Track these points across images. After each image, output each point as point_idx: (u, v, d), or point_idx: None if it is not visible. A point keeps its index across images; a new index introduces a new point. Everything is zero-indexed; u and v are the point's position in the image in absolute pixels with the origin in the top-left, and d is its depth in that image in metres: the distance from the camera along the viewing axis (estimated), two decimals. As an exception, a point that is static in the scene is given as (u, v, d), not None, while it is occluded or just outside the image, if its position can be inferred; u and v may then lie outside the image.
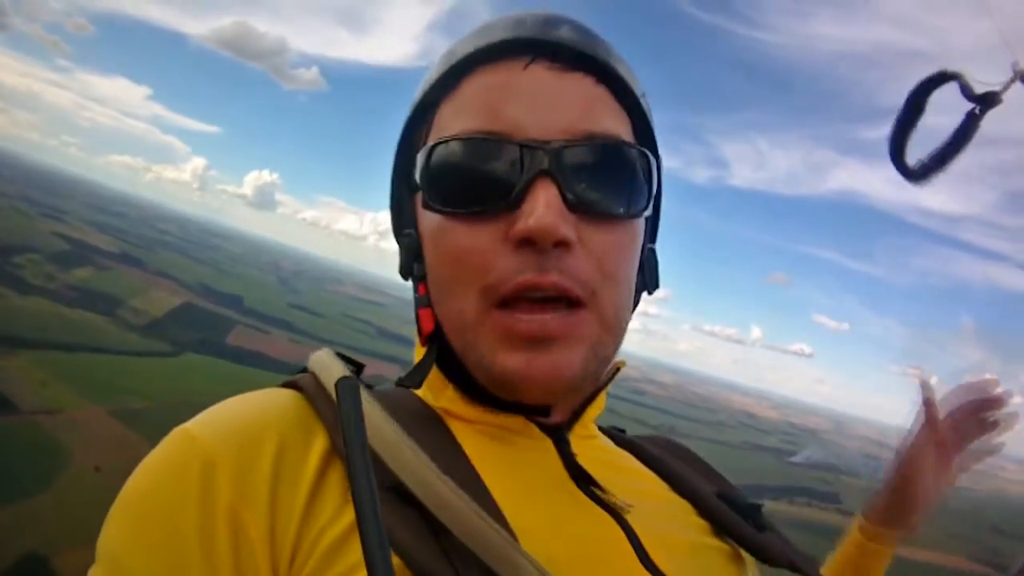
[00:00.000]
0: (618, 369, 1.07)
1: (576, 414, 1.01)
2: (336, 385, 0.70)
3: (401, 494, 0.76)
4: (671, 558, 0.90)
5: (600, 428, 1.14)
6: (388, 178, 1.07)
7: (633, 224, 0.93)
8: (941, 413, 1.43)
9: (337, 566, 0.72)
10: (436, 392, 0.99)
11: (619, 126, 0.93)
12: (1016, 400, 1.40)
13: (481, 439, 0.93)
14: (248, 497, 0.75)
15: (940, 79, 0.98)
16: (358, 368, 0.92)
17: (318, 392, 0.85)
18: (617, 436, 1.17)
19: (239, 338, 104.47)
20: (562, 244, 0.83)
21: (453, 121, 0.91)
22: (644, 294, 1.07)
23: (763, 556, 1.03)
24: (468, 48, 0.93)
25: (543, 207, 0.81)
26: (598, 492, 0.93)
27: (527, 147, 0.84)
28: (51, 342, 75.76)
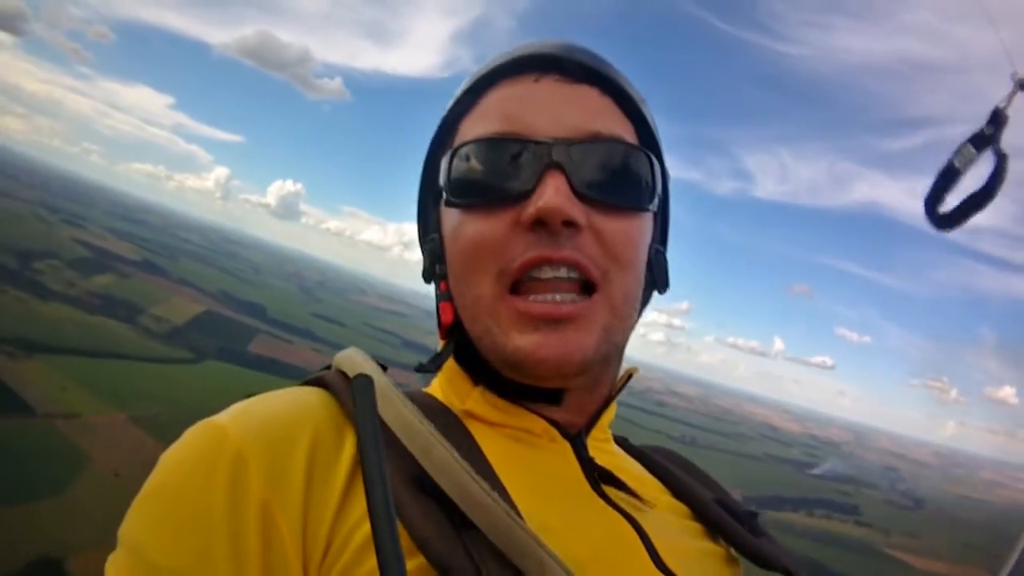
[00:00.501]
0: (630, 375, 1.13)
1: (593, 418, 1.07)
2: (352, 381, 0.75)
3: (424, 487, 0.79)
4: (679, 560, 0.95)
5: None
6: (413, 188, 1.16)
7: (639, 217, 1.00)
8: None
9: (367, 564, 0.74)
10: (462, 395, 1.04)
11: (623, 131, 1.01)
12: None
13: (502, 441, 0.98)
14: (281, 493, 0.77)
15: (980, 141, 0.99)
16: (383, 369, 0.96)
17: (346, 390, 0.87)
18: (624, 443, 1.24)
19: (261, 347, 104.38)
20: (571, 224, 0.90)
21: (473, 129, 1.01)
22: (655, 294, 1.13)
23: (759, 560, 1.07)
24: (486, 68, 1.05)
25: (552, 191, 0.89)
26: (613, 495, 1.00)
27: (539, 143, 0.93)
28: (71, 347, 76.01)
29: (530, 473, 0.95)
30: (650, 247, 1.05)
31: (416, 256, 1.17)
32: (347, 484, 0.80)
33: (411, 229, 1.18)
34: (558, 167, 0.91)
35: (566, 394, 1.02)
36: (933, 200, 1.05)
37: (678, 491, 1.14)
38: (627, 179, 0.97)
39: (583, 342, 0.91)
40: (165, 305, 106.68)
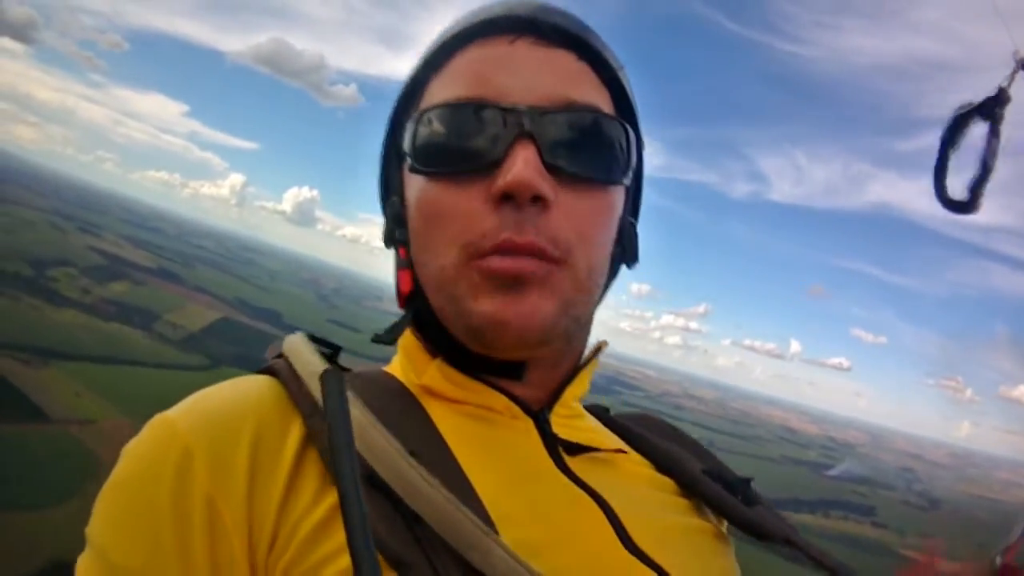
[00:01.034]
0: (599, 349, 1.09)
1: (556, 393, 1.01)
2: (321, 378, 0.72)
3: (375, 482, 0.76)
4: (653, 538, 0.90)
5: (586, 407, 1.15)
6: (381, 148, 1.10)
7: (611, 191, 0.95)
8: None
9: (316, 554, 0.73)
10: (420, 369, 0.99)
11: (598, 99, 0.95)
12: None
13: (461, 419, 0.93)
14: (225, 486, 0.75)
15: (969, 114, 0.98)
16: (334, 351, 0.92)
17: (293, 379, 0.86)
18: (602, 416, 1.18)
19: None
20: (540, 200, 0.85)
21: (441, 92, 0.93)
22: (624, 267, 1.07)
23: (753, 532, 1.02)
24: (458, 27, 0.96)
25: (522, 163, 0.83)
26: (581, 471, 0.94)
27: (509, 111, 0.87)
28: (86, 354, 76.61)
29: (490, 453, 0.90)
30: (621, 219, 1.01)
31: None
32: (292, 473, 0.79)
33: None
34: (529, 137, 0.86)
35: (528, 368, 0.97)
36: (940, 186, 1.03)
37: (662, 464, 1.08)
38: (601, 151, 0.93)
39: (544, 309, 0.87)
40: (180, 312, 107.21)
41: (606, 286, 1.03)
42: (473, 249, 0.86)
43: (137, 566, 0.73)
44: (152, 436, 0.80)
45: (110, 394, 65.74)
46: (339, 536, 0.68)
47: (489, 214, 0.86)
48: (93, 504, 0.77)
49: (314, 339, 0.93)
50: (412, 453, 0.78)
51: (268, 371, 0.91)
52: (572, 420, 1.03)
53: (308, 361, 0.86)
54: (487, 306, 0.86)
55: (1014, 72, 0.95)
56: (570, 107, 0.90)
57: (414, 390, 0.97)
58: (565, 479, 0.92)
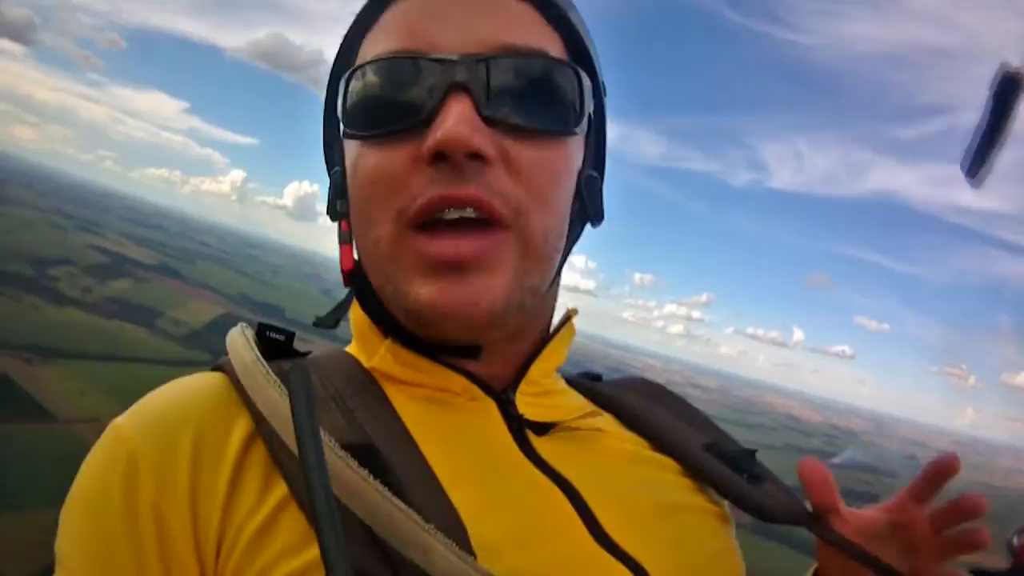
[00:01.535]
0: (569, 317, 1.02)
1: (522, 370, 0.95)
2: (289, 375, 0.68)
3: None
4: (631, 526, 0.84)
5: (569, 379, 1.09)
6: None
7: (563, 142, 0.87)
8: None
9: (262, 556, 0.69)
10: (370, 351, 0.94)
11: (545, 42, 0.87)
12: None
13: (417, 404, 0.88)
14: (168, 490, 0.73)
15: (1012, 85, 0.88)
16: (288, 337, 0.89)
17: (235, 375, 0.81)
18: (592, 389, 1.11)
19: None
20: (478, 157, 0.78)
21: (373, 48, 0.87)
22: (588, 227, 1.00)
23: (755, 511, 0.96)
24: None
25: (454, 119, 0.76)
26: (549, 454, 0.88)
27: (441, 61, 0.80)
28: (89, 353, 76.46)
29: (447, 440, 0.84)
30: (580, 173, 0.92)
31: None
32: (234, 473, 0.75)
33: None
34: (463, 88, 0.78)
35: (484, 348, 0.90)
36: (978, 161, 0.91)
37: (658, 441, 1.01)
38: (548, 99, 0.84)
39: (490, 287, 0.79)
40: (183, 308, 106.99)
41: (568, 248, 0.94)
42: (405, 216, 0.80)
43: None
44: (103, 444, 0.78)
45: (114, 392, 65.49)
46: (285, 536, 0.66)
47: (421, 173, 0.79)
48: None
49: (265, 327, 0.89)
50: (358, 445, 0.73)
51: (218, 368, 0.87)
52: (542, 398, 0.96)
53: (241, 354, 0.81)
54: (424, 290, 0.79)
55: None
56: (509, 51, 0.82)
57: (374, 373, 0.91)
58: (531, 466, 0.86)
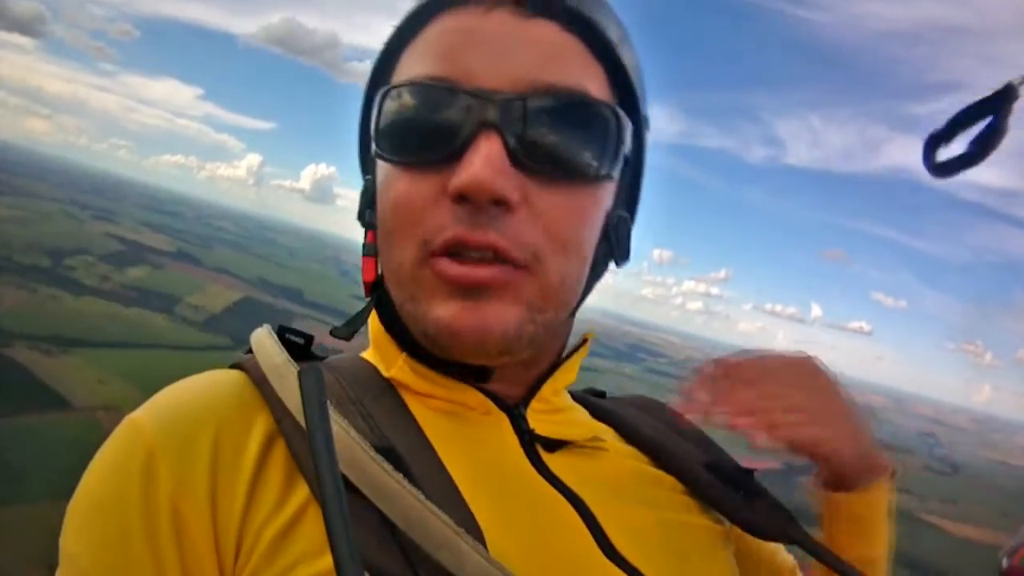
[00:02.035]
0: (585, 341, 1.02)
1: (534, 388, 0.95)
2: (299, 375, 0.66)
3: (351, 485, 0.71)
4: (637, 541, 0.85)
5: (575, 395, 1.09)
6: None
7: (592, 187, 0.85)
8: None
9: (283, 558, 0.69)
10: (388, 362, 0.94)
11: (586, 79, 0.84)
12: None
13: (434, 414, 0.88)
14: (187, 488, 0.72)
15: (977, 107, 0.93)
16: (307, 340, 0.90)
17: (261, 374, 0.81)
18: (594, 404, 1.10)
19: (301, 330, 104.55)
20: (501, 202, 0.77)
21: (411, 66, 0.85)
22: (612, 265, 0.98)
23: (750, 529, 0.98)
24: None
25: (481, 161, 0.75)
26: (560, 469, 0.89)
27: (475, 96, 0.78)
28: (107, 341, 76.99)
29: (463, 451, 0.85)
30: (610, 214, 0.91)
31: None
32: (255, 472, 0.75)
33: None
34: (494, 128, 0.77)
35: (494, 371, 0.91)
36: (934, 144, 0.98)
37: (660, 459, 1.02)
38: (581, 143, 0.82)
39: (504, 317, 0.79)
40: (201, 294, 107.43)
41: (590, 286, 0.94)
42: (428, 245, 0.80)
43: None
44: (119, 440, 0.77)
45: (134, 379, 65.81)
46: (306, 539, 0.66)
47: (445, 210, 0.79)
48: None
49: (286, 330, 0.89)
50: (379, 449, 0.73)
51: (237, 366, 0.87)
52: (552, 415, 0.97)
53: (271, 354, 0.81)
54: (442, 312, 0.80)
55: None
56: (547, 91, 0.79)
57: (392, 382, 0.92)
58: (541, 480, 0.87)
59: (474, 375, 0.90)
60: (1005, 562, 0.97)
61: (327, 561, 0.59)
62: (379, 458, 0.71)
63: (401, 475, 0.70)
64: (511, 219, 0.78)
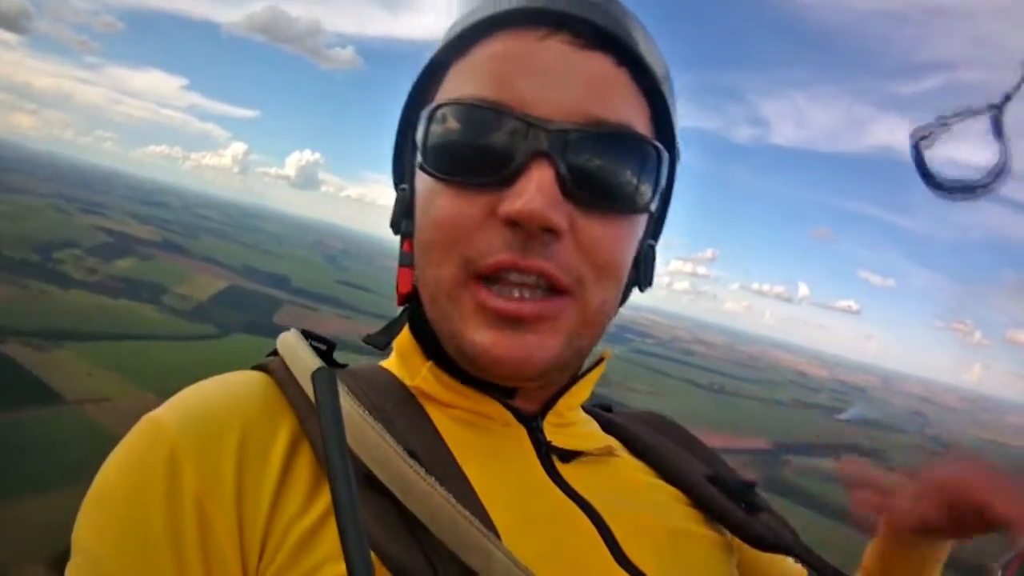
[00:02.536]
0: (602, 360, 1.04)
1: (550, 402, 0.98)
2: (313, 376, 0.67)
3: (375, 484, 0.73)
4: (647, 550, 0.88)
5: (585, 409, 1.11)
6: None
7: (633, 219, 0.90)
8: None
9: (308, 559, 0.71)
10: (412, 371, 0.95)
11: (633, 114, 0.88)
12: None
13: (455, 424, 0.90)
14: (213, 487, 0.73)
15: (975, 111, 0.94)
16: (329, 347, 0.90)
17: (287, 377, 0.83)
18: (604, 418, 1.14)
19: (286, 317, 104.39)
20: (550, 231, 0.80)
21: (461, 84, 0.87)
22: (635, 290, 1.03)
23: (754, 542, 1.00)
24: (485, 11, 0.88)
25: (535, 189, 0.78)
26: (574, 479, 0.92)
27: (530, 124, 0.80)
28: (96, 333, 77.23)
29: (483, 460, 0.87)
30: (641, 243, 0.95)
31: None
32: (282, 474, 0.76)
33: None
34: (547, 157, 0.79)
35: (520, 389, 0.94)
36: (926, 171, 0.99)
37: (665, 472, 1.05)
38: (627, 177, 0.86)
39: (545, 346, 0.83)
40: (188, 283, 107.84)
41: (614, 313, 0.97)
42: (472, 266, 0.82)
43: (129, 573, 0.70)
44: (140, 437, 0.78)
45: (123, 370, 66.37)
46: (332, 540, 0.65)
47: (495, 232, 0.81)
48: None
49: (308, 335, 0.90)
50: (411, 453, 0.75)
51: (261, 368, 0.89)
52: (567, 428, 1.00)
53: (302, 358, 0.82)
54: (481, 337, 0.82)
55: (1021, 81, 0.92)
56: (598, 125, 0.83)
57: (411, 389, 0.94)
58: (556, 490, 0.90)
59: (501, 391, 0.93)
60: (1000, 574, 0.98)
61: None
62: (411, 460, 0.73)
63: (434, 479, 0.72)
64: (559, 246, 0.81)
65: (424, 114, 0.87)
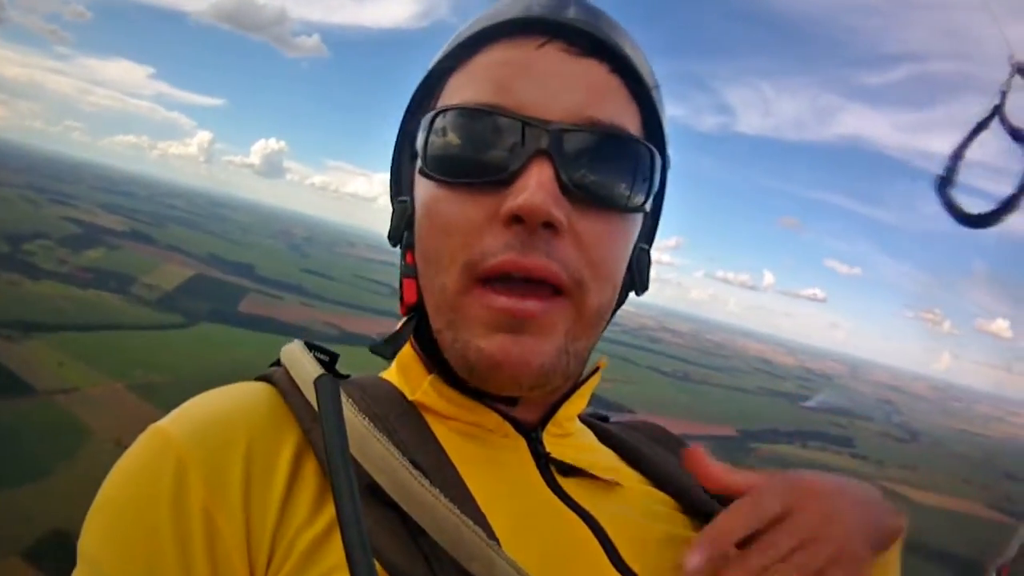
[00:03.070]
0: (598, 368, 1.05)
1: (549, 413, 0.99)
2: (315, 384, 0.69)
3: (378, 494, 0.74)
4: (645, 558, 0.88)
5: (582, 419, 1.13)
6: (394, 140, 1.04)
7: (628, 218, 0.91)
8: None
9: (316, 568, 0.71)
10: (413, 384, 0.96)
11: (626, 118, 0.90)
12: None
13: (455, 435, 0.91)
14: (220, 497, 0.74)
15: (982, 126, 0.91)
16: (332, 358, 0.89)
17: (290, 387, 0.84)
18: (598, 427, 1.15)
19: (251, 305, 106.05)
20: (551, 226, 0.81)
21: (461, 91, 0.89)
22: (632, 295, 1.05)
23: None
24: (483, 23, 0.91)
25: (536, 185, 0.79)
26: (573, 491, 0.92)
27: (529, 125, 0.82)
28: (66, 323, 77.49)
29: (484, 471, 0.87)
30: (635, 246, 0.97)
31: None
32: (288, 484, 0.77)
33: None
34: (547, 155, 0.80)
35: (521, 399, 0.94)
36: (947, 198, 0.94)
37: (658, 479, 1.04)
38: (622, 177, 0.87)
39: (544, 350, 0.83)
40: (155, 273, 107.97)
41: (610, 318, 0.98)
42: (474, 269, 0.83)
43: None
44: (147, 448, 0.78)
45: (93, 360, 66.85)
46: (339, 550, 0.65)
47: (497, 233, 0.82)
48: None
49: (311, 346, 0.89)
50: (413, 463, 0.76)
51: (264, 379, 0.89)
52: (565, 439, 1.01)
53: (305, 368, 0.82)
54: (485, 344, 0.83)
55: (1010, 76, 0.91)
56: (594, 126, 0.85)
57: (416, 404, 0.94)
58: (556, 500, 0.90)
59: (502, 400, 0.93)
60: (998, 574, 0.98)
61: None
62: (416, 472, 0.74)
63: (438, 490, 0.73)
64: (559, 243, 0.82)
65: (425, 121, 0.89)
